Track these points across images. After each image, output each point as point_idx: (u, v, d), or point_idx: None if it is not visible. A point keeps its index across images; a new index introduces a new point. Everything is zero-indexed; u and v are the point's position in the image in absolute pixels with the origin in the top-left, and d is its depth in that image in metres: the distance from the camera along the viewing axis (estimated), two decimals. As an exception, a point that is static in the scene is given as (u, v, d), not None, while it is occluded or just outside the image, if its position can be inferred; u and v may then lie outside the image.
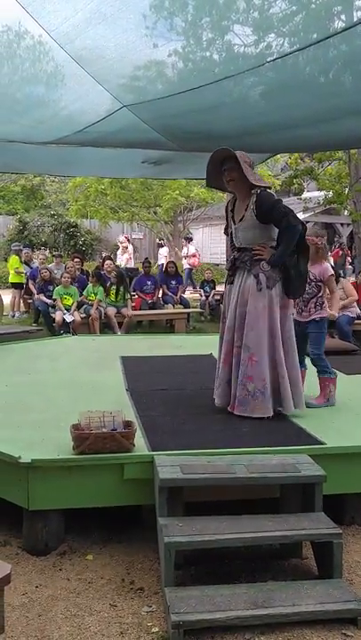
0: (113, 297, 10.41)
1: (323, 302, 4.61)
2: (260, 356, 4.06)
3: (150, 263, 12.86)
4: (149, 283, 11.64)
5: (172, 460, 3.20)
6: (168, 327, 11.19)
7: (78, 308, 10.09)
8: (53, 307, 10.21)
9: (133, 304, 10.98)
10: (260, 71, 4.76)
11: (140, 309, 11.06)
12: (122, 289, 10.47)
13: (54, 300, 10.15)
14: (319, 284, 4.58)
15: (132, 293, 11.16)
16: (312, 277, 4.55)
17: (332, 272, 4.69)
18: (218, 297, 12.48)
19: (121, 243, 17.05)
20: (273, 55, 4.53)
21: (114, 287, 10.45)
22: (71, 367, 5.91)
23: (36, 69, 5.26)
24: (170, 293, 11.76)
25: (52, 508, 3.25)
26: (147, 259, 13.44)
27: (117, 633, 2.60)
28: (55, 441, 3.49)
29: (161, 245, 19.65)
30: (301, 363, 4.52)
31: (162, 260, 17.17)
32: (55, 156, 8.53)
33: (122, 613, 2.75)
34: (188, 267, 16.70)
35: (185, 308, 11.66)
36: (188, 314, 11.36)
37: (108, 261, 11.59)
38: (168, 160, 8.81)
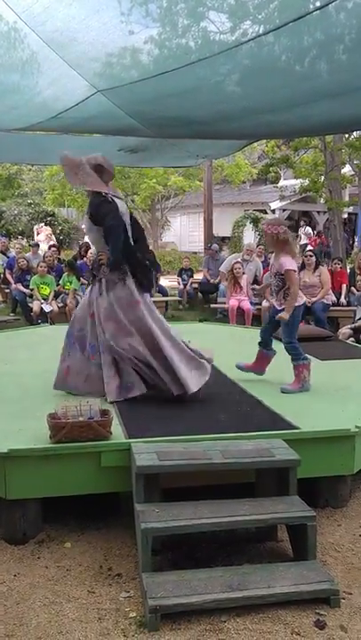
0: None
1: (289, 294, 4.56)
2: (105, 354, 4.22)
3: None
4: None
5: (148, 446, 3.22)
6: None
7: (55, 297, 10.03)
8: (31, 296, 10.14)
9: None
10: (235, 57, 4.76)
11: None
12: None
13: (31, 289, 10.08)
14: (282, 276, 4.50)
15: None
16: (274, 270, 4.57)
17: (291, 267, 4.48)
18: (195, 285, 12.51)
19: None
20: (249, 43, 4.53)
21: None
22: (48, 357, 5.84)
23: (11, 56, 5.18)
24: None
25: (30, 497, 3.26)
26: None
27: (95, 619, 2.63)
28: (32, 431, 3.49)
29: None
30: (268, 345, 4.73)
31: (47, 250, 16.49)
32: (31, 144, 8.44)
33: (100, 599, 2.77)
34: None
35: (163, 296, 11.66)
36: (167, 302, 11.36)
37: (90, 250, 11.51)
38: (145, 148, 8.76)
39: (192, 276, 12.74)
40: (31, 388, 4.57)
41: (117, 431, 3.50)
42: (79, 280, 10.29)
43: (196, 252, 21.22)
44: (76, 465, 3.28)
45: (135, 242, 4.44)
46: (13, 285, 10.78)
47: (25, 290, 10.37)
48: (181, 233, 25.69)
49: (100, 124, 6.72)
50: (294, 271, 4.50)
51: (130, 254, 4.26)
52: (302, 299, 4.70)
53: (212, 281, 11.94)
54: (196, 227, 24.85)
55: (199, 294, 12.54)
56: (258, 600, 2.66)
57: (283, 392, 4.41)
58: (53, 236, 17.57)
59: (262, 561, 3.04)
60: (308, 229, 20.26)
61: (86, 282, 10.42)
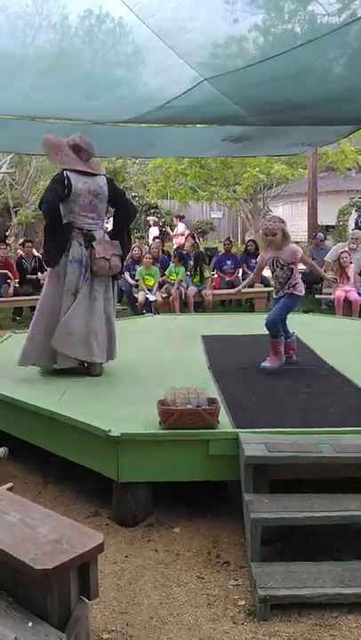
0: (195, 278, 10.47)
1: (296, 283, 4.80)
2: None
3: (231, 242, 12.74)
4: (229, 262, 11.58)
5: (257, 437, 3.21)
6: (248, 306, 11.12)
7: (159, 287, 10.21)
8: (136, 287, 10.37)
9: (213, 283, 10.97)
10: (344, 39, 4.61)
11: (220, 289, 11.04)
12: (200, 269, 10.49)
13: (137, 280, 10.31)
14: (291, 266, 4.74)
15: (212, 273, 11.15)
16: (282, 262, 4.72)
17: (301, 250, 4.78)
18: (300, 275, 12.23)
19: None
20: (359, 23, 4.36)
21: (196, 268, 10.50)
22: (155, 345, 6.02)
23: (117, 52, 5.32)
24: (250, 272, 11.65)
25: (140, 481, 3.35)
26: (228, 238, 13.36)
27: (205, 604, 2.67)
28: (142, 416, 3.59)
29: (151, 225, 19.02)
30: (286, 333, 4.96)
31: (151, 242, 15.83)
32: (136, 137, 8.63)
33: (209, 585, 2.81)
34: (176, 246, 15.61)
35: (265, 286, 11.52)
36: (269, 293, 11.22)
37: (181, 238, 11.58)
38: (248, 137, 8.68)
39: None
40: (140, 375, 4.69)
41: (224, 420, 3.52)
42: (187, 270, 10.40)
43: (298, 242, 20.72)
44: (184, 452, 3.33)
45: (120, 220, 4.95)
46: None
47: (131, 280, 10.62)
48: (284, 222, 25.24)
49: (204, 113, 6.73)
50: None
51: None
52: (302, 291, 4.91)
53: (316, 271, 11.64)
54: (298, 216, 24.31)
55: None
56: (370, 598, 2.58)
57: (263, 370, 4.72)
58: (156, 228, 17.85)
59: (374, 558, 2.95)
60: None
61: (189, 273, 10.55)
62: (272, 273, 4.87)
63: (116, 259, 4.63)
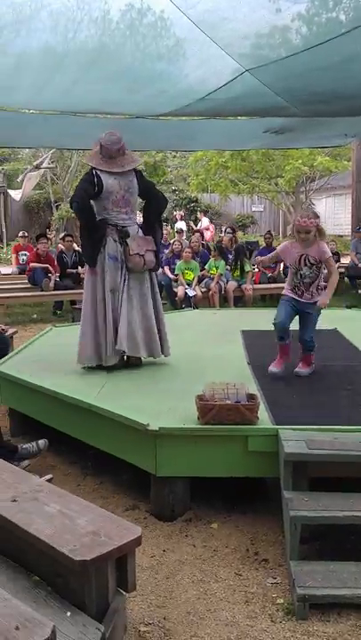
0: (235, 272, 10.41)
1: (323, 286, 4.39)
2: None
3: (272, 235, 12.63)
4: (270, 256, 11.48)
5: (297, 434, 3.16)
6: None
7: (199, 282, 10.19)
8: (176, 281, 10.38)
9: (254, 278, 10.89)
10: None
11: (260, 283, 10.94)
12: (240, 263, 10.42)
13: (176, 275, 10.31)
14: (319, 265, 4.30)
15: (253, 267, 11.07)
16: (312, 260, 4.29)
17: (330, 252, 4.41)
18: (342, 269, 12.02)
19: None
20: None
21: (236, 261, 10.45)
22: (194, 340, 6.01)
23: (158, 45, 5.31)
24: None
25: (178, 476, 3.35)
26: (269, 231, 13.24)
27: (243, 601, 2.65)
28: (181, 411, 3.58)
29: (177, 220, 18.66)
30: (289, 336, 4.46)
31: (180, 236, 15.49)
32: (177, 130, 8.62)
33: (247, 583, 2.79)
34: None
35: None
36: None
37: (224, 234, 11.53)
38: (290, 128, 8.57)
39: (339, 260, 12.28)
40: (179, 369, 4.69)
41: (264, 416, 3.48)
42: (226, 264, 10.35)
43: (341, 235, 20.45)
44: (223, 447, 3.31)
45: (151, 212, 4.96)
46: (160, 269, 11.04)
47: (171, 275, 10.63)
48: (326, 215, 24.87)
49: (245, 104, 6.68)
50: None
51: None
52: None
53: (360, 265, 11.45)
54: (341, 208, 23.92)
55: (345, 279, 12.08)
56: None
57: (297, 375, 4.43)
58: (183, 222, 17.75)
59: None
60: None
61: (229, 267, 10.49)
62: (296, 272, 4.35)
63: (151, 254, 4.63)
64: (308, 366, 4.52)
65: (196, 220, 20.70)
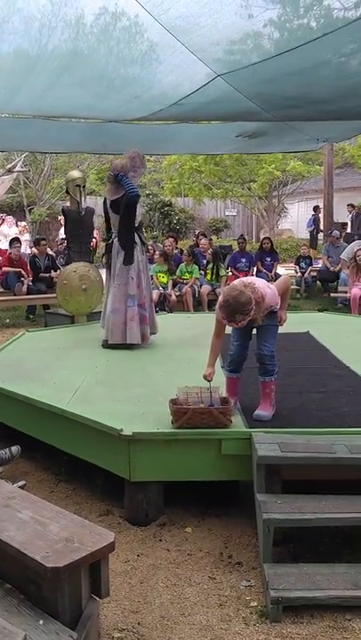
0: (208, 275, 10.45)
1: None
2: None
3: (245, 240, 12.70)
4: (244, 260, 11.57)
5: (270, 437, 3.19)
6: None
7: (173, 286, 10.19)
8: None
9: (228, 282, 10.95)
10: (360, 30, 4.55)
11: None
12: (215, 267, 10.47)
13: (151, 277, 10.29)
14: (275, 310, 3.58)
15: (227, 271, 11.13)
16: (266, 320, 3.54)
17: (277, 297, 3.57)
18: (314, 273, 12.16)
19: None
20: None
21: (209, 265, 10.48)
22: (167, 343, 6.00)
23: (131, 49, 5.30)
24: (265, 270, 11.61)
25: (152, 480, 3.34)
26: (242, 235, 13.31)
27: (217, 604, 2.66)
28: (154, 415, 3.58)
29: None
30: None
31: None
32: (150, 134, 8.61)
33: (221, 586, 2.79)
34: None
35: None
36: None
37: (203, 239, 11.59)
38: (263, 133, 8.64)
39: (311, 264, 12.43)
40: (152, 374, 4.68)
41: (237, 420, 3.50)
42: (200, 268, 10.38)
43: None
44: (196, 451, 3.32)
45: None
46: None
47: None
48: (299, 219, 25.09)
49: (218, 109, 6.71)
50: None
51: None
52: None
53: (332, 269, 11.58)
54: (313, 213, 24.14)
55: (318, 283, 12.22)
56: (385, 601, 2.55)
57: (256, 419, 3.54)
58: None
59: (389, 561, 2.91)
60: None
61: (203, 271, 10.53)
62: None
63: None
64: (270, 406, 3.62)
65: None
